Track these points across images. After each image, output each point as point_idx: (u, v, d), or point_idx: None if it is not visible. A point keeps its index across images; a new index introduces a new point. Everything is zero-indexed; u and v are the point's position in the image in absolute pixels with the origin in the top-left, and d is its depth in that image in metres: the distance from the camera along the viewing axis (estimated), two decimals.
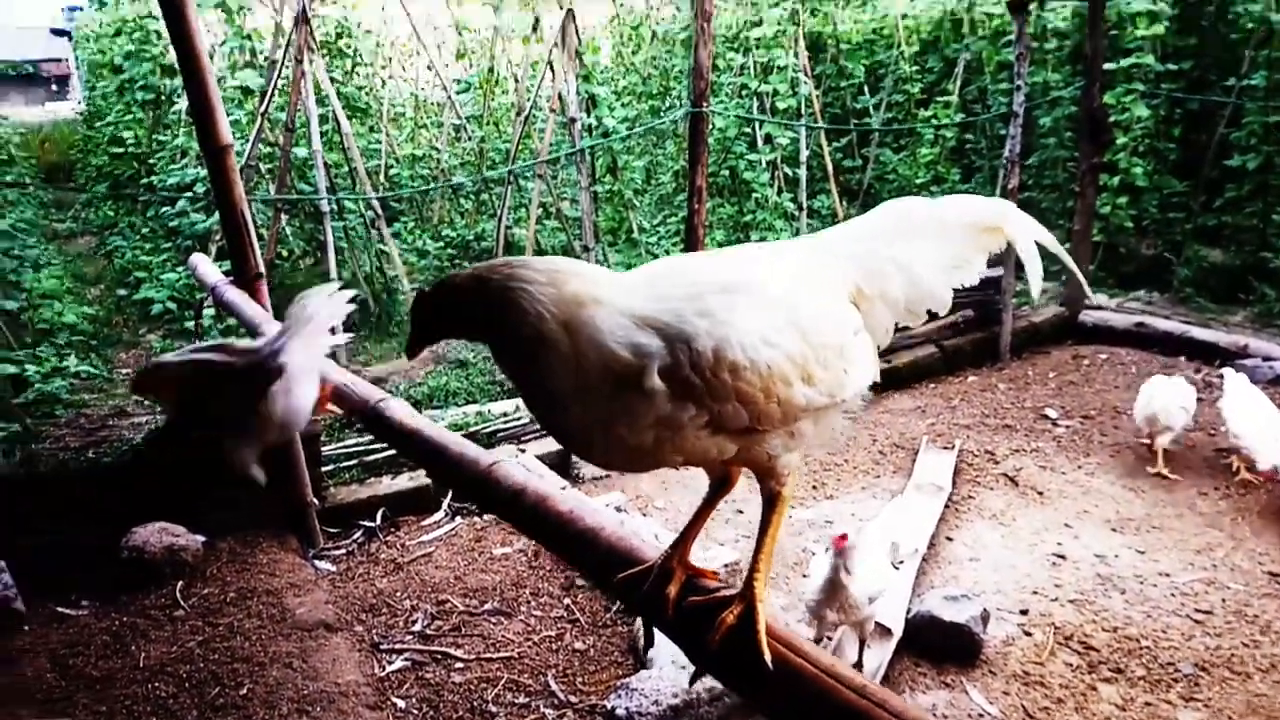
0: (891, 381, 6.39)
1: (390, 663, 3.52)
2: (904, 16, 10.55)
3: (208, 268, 4.11)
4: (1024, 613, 3.81)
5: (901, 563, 4.07)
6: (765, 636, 1.22)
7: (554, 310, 1.12)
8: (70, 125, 17.64)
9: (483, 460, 1.93)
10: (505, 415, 5.62)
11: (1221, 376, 6.19)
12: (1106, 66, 7.60)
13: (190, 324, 7.03)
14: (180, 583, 3.92)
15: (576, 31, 7.40)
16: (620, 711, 3.00)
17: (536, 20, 8.14)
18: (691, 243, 5.37)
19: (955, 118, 9.71)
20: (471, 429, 5.39)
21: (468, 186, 9.61)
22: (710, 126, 6.27)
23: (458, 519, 4.73)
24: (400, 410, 2.32)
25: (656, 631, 3.38)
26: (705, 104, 5.13)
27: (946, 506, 4.70)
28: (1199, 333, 6.87)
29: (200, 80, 3.51)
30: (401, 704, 3.29)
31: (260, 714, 3.11)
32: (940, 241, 1.42)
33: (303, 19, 6.36)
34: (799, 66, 8.76)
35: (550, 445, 5.27)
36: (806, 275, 1.25)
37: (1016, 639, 3.64)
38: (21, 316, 6.60)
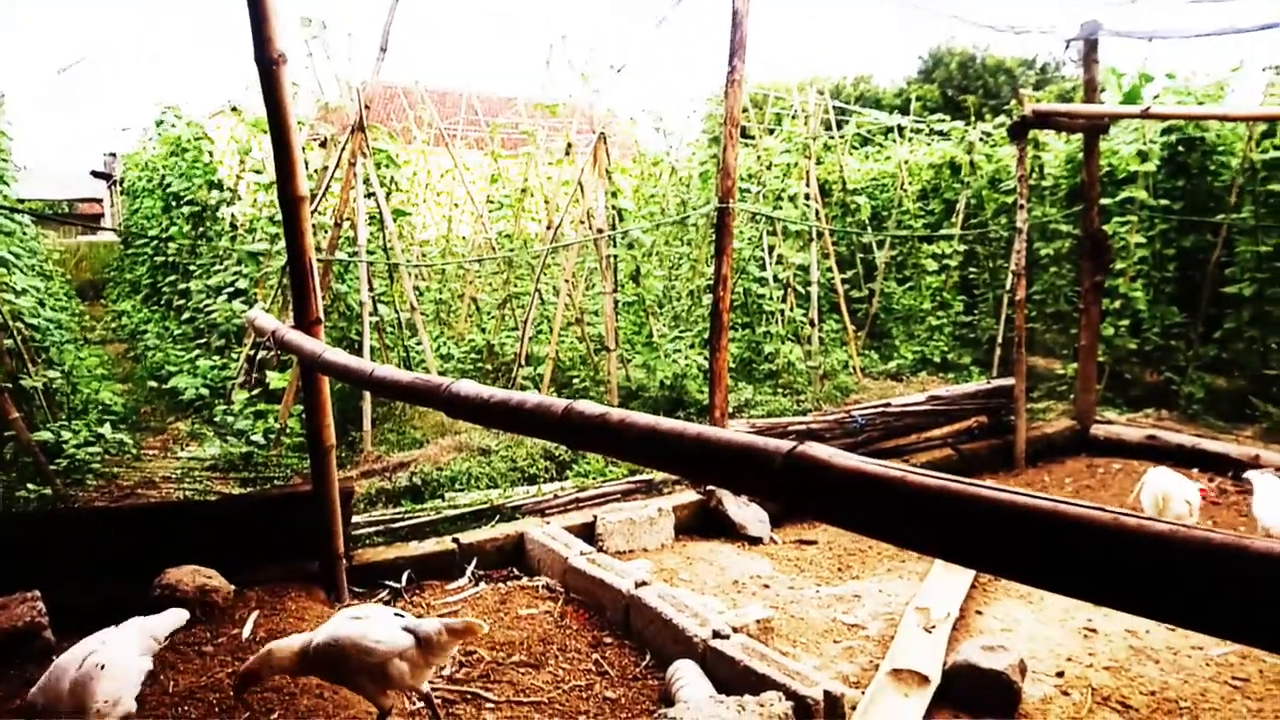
0: None
1: (419, 700, 3.46)
2: (905, 163, 11.30)
3: (266, 318, 4.32)
4: (1060, 675, 3.76)
5: (933, 628, 4.04)
6: None
7: None
8: (106, 246, 18.49)
9: (556, 406, 2.06)
10: (528, 493, 5.68)
11: (1238, 483, 6.31)
12: (1102, 201, 8.11)
13: (220, 410, 7.19)
14: (210, 622, 3.89)
15: (607, 152, 7.97)
16: None
17: (569, 145, 8.76)
18: (717, 327, 5.62)
19: (959, 248, 10.24)
20: (495, 503, 5.45)
21: (490, 300, 10.00)
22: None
23: (482, 584, 4.71)
24: (469, 387, 2.45)
25: (689, 670, 3.37)
26: (731, 199, 5.53)
27: (974, 586, 4.69)
28: (1210, 445, 6.99)
29: (285, 139, 3.85)
30: None
31: None
32: None
33: (358, 127, 6.90)
34: (810, 194, 9.33)
35: (574, 518, 5.32)
36: None
37: (1054, 698, 3.58)
38: (57, 395, 6.77)
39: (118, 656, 2.67)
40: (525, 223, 10.74)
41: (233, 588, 4.14)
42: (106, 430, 6.15)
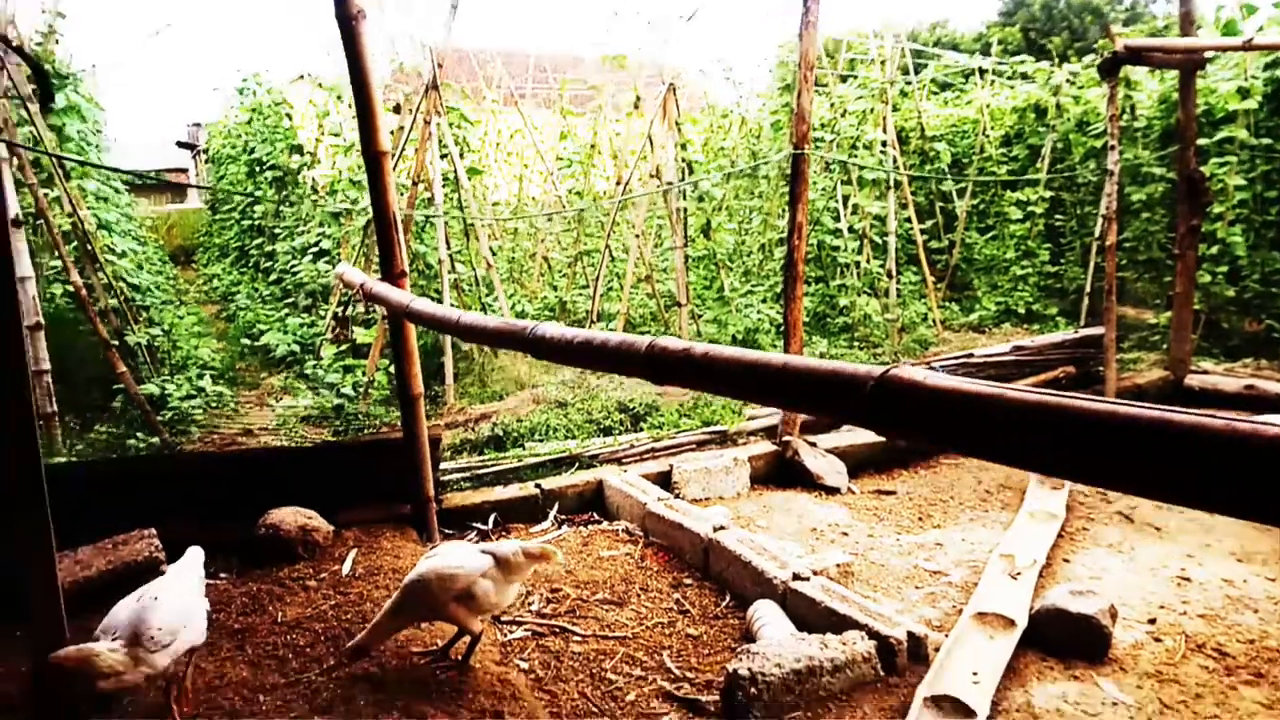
0: None
1: (511, 632, 3.60)
2: (986, 107, 10.89)
3: (354, 272, 4.47)
4: (1152, 621, 3.69)
5: (1019, 574, 4.00)
6: None
7: None
8: (194, 213, 19.23)
9: (639, 343, 2.09)
10: (604, 444, 5.78)
11: None
12: (1199, 141, 7.70)
13: (311, 365, 7.48)
14: (312, 560, 4.12)
15: (676, 104, 7.90)
16: (743, 671, 3.00)
17: (638, 98, 8.71)
18: (791, 277, 5.57)
19: (1045, 194, 9.87)
20: (574, 453, 5.56)
21: (562, 258, 10.09)
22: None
23: (564, 527, 4.84)
24: (553, 329, 2.50)
25: (770, 610, 3.42)
26: (806, 145, 5.44)
27: (1060, 536, 4.62)
28: None
29: (367, 94, 3.94)
30: (524, 665, 3.35)
31: (393, 663, 3.21)
32: None
33: (432, 85, 6.99)
34: (886, 141, 9.10)
35: (650, 467, 5.40)
36: None
37: (1145, 644, 3.52)
38: (159, 352, 7.14)
39: (171, 593, 2.82)
40: (594, 179, 10.77)
41: (331, 528, 4.35)
42: (206, 383, 6.47)
